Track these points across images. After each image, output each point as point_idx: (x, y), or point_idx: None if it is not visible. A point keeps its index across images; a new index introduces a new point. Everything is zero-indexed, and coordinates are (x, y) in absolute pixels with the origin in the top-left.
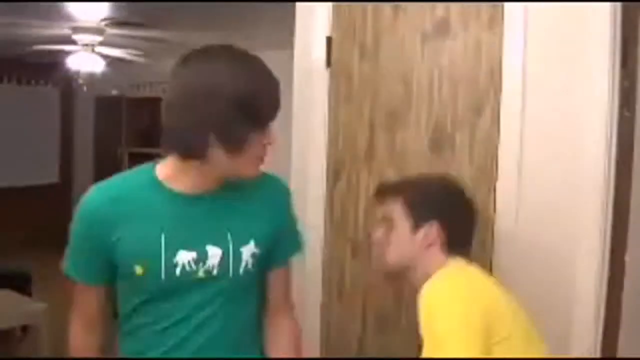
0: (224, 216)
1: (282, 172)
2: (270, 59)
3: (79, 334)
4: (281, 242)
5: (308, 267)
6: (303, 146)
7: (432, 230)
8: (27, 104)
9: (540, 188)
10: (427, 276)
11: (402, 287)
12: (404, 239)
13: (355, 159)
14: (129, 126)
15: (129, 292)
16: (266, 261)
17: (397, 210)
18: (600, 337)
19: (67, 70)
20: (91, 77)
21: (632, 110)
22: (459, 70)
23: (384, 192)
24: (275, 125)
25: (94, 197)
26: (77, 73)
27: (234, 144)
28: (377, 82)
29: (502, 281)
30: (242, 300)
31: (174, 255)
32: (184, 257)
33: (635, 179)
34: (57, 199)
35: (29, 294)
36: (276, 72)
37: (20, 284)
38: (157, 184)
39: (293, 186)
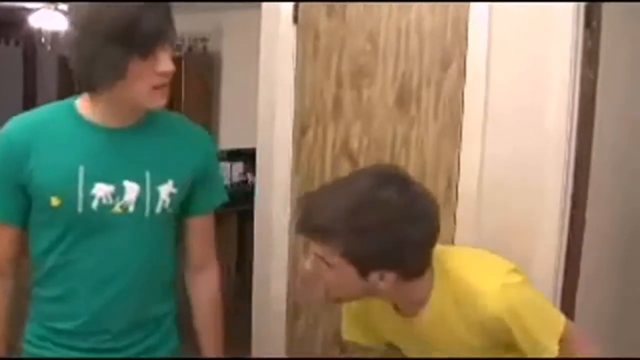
0: (144, 153)
1: (250, 127)
2: (241, 17)
3: None
4: (202, 190)
5: (275, 222)
6: (270, 102)
7: (384, 276)
8: None
9: (504, 146)
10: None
11: None
12: (349, 282)
13: (321, 115)
14: None
15: (43, 228)
16: (186, 208)
17: (334, 256)
18: (559, 293)
19: (30, 29)
20: (54, 35)
21: (595, 71)
22: (426, 26)
23: (311, 230)
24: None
25: (9, 127)
26: (40, 31)
27: (115, 71)
28: (343, 38)
29: (464, 237)
30: (159, 245)
31: (92, 187)
32: (101, 190)
33: (596, 139)
34: None
35: None
36: (246, 30)
37: None
38: (76, 116)
39: (260, 142)
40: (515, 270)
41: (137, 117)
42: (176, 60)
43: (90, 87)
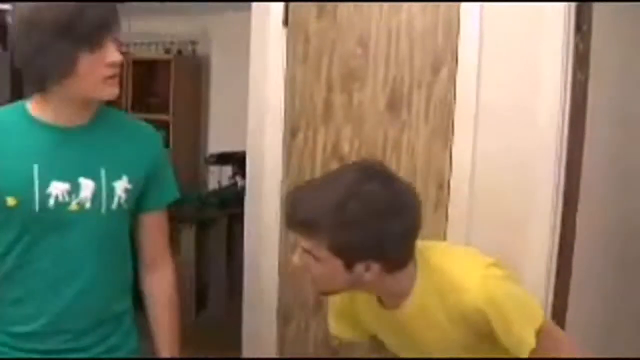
0: (98, 150)
1: (240, 131)
2: (230, 19)
3: None
4: (154, 187)
5: (265, 225)
6: (260, 105)
7: (370, 267)
8: None
9: (495, 149)
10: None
11: None
12: (336, 274)
13: (312, 118)
14: None
15: (2, 228)
16: (139, 205)
17: (321, 250)
18: (551, 296)
19: None
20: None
21: (586, 73)
22: (417, 28)
23: (297, 225)
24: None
25: None
26: None
27: (64, 68)
28: (334, 41)
29: (456, 237)
30: (116, 242)
31: (47, 186)
32: (57, 188)
33: (587, 138)
34: None
35: None
36: (235, 33)
37: None
38: (29, 118)
39: (250, 145)
40: (495, 265)
41: (88, 114)
42: (166, 63)
43: (40, 85)
